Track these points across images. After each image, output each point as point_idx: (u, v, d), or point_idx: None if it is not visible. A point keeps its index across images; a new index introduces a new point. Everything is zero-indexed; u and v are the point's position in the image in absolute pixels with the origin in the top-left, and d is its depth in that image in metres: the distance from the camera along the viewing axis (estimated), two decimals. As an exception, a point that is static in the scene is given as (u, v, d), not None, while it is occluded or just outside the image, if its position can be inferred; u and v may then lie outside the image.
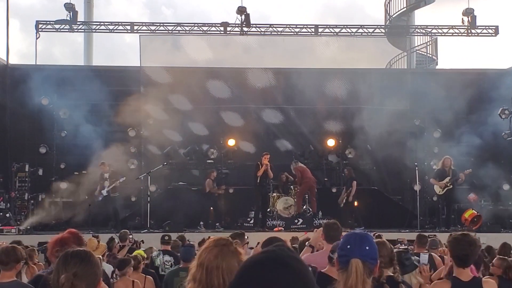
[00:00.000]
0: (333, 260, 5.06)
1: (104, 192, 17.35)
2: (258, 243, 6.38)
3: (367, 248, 3.13)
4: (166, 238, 10.72)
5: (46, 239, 13.22)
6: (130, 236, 12.30)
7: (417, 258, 6.47)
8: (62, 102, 19.39)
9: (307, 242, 6.68)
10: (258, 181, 17.28)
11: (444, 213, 17.41)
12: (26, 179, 18.47)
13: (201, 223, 17.82)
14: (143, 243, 12.89)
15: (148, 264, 9.70)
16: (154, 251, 10.72)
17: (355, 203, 18.06)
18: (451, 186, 16.96)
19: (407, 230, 16.46)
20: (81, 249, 3.45)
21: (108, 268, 8.01)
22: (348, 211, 17.98)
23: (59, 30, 21.62)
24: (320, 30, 21.80)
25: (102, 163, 17.55)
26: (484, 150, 18.71)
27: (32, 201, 18.13)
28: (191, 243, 11.99)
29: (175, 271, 8.20)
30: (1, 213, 17.33)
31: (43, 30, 21.33)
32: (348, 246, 3.13)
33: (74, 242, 4.98)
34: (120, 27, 21.90)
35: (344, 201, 18.09)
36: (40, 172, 18.87)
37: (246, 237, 8.67)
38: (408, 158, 19.51)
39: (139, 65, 20.91)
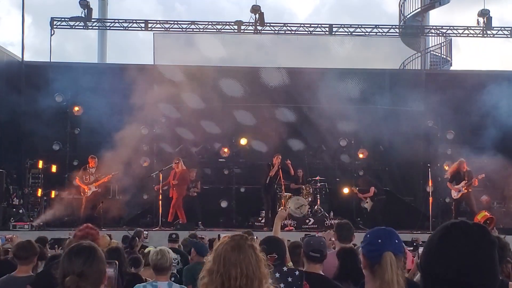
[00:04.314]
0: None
1: (93, 188, 17.36)
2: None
3: (396, 241, 3.21)
4: (174, 236, 10.87)
5: (59, 236, 13.33)
6: (146, 233, 12.36)
7: None
8: (75, 99, 19.50)
9: None
10: (267, 181, 17.28)
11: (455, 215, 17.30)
12: (39, 175, 18.55)
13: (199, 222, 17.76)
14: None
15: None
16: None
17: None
18: (467, 191, 16.93)
19: (419, 232, 16.39)
20: (85, 245, 3.39)
21: None
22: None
23: (73, 27, 21.71)
24: (334, 29, 21.75)
25: (91, 157, 17.50)
26: (497, 151, 18.56)
27: (45, 198, 18.20)
28: (202, 238, 12.11)
29: (195, 265, 8.13)
30: (14, 209, 17.43)
31: (58, 27, 21.44)
32: (379, 241, 3.17)
33: (97, 237, 5.02)
34: (134, 25, 21.97)
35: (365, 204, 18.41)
36: (54, 168, 18.96)
37: (255, 237, 8.64)
38: (420, 159, 19.42)
39: (153, 63, 20.97)
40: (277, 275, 4.47)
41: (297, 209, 17.63)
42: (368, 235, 3.27)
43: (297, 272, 4.57)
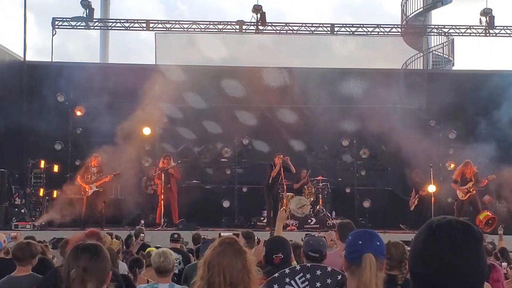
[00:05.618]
0: None
1: (94, 187, 17.36)
2: (259, 241, 6.39)
3: (378, 243, 3.16)
4: (176, 236, 10.84)
5: (61, 235, 13.32)
6: (142, 235, 12.35)
7: None
8: (77, 99, 19.51)
9: None
10: (269, 181, 17.27)
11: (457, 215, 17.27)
12: (41, 175, 18.56)
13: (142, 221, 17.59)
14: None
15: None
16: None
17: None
18: (474, 192, 16.90)
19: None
20: (91, 242, 3.47)
21: (122, 266, 7.96)
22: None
23: (75, 27, 21.73)
24: (336, 29, 21.75)
25: (94, 156, 17.46)
26: (500, 151, 18.53)
27: (47, 197, 18.22)
28: (207, 238, 12.09)
29: (194, 266, 8.17)
30: (16, 209, 17.44)
31: (59, 27, 21.46)
32: (360, 242, 3.14)
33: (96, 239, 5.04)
34: (136, 25, 22.00)
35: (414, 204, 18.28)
36: (55, 168, 18.96)
37: (256, 237, 8.63)
38: (422, 159, 19.38)
39: (154, 63, 20.96)
40: (318, 272, 4.50)
41: (299, 209, 17.61)
42: (350, 237, 3.24)
43: (339, 277, 4.47)
